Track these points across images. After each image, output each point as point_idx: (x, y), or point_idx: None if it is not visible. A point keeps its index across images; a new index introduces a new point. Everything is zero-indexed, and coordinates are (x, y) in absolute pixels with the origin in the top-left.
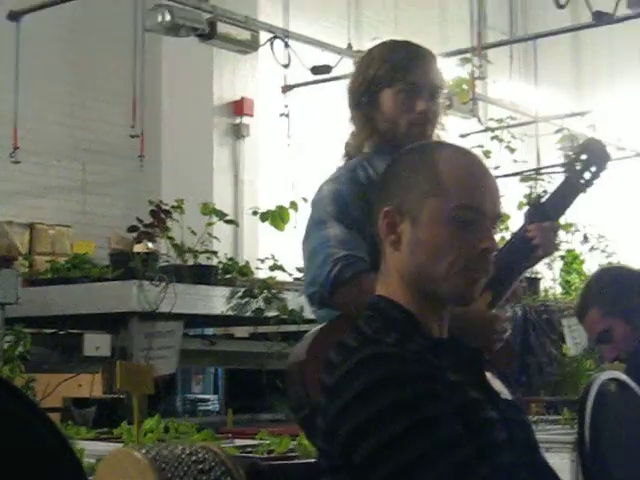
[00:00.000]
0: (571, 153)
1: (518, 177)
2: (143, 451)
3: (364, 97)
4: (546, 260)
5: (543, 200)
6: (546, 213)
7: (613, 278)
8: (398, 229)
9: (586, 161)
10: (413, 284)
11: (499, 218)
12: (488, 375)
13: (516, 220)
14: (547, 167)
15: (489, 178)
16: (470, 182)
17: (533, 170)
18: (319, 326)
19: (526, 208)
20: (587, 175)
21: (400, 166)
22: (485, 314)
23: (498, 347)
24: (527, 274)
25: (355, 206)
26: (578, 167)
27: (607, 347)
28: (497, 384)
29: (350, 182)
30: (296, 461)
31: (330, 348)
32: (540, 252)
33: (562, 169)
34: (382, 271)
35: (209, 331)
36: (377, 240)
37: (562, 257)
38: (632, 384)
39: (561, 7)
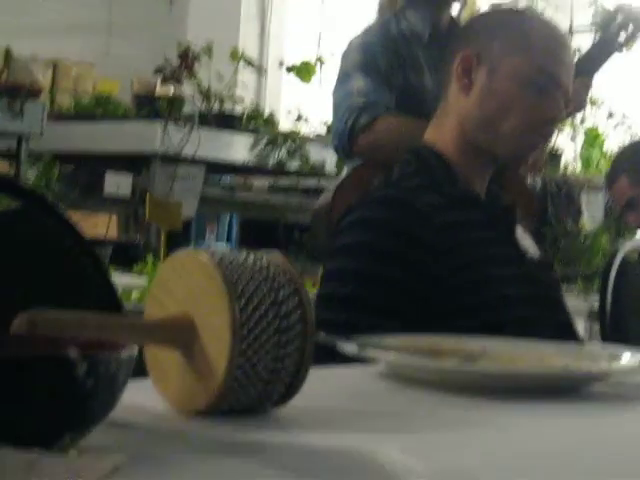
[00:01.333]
0: (604, 16)
1: None
2: (209, 253)
3: None
4: (569, 134)
5: (577, 56)
6: (579, 69)
7: None
8: (472, 75)
9: (621, 22)
10: (472, 133)
11: (569, 94)
12: (519, 232)
13: None
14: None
15: (570, 55)
16: (556, 52)
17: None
18: (344, 174)
19: None
20: (622, 35)
21: (489, 17)
22: None
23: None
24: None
25: (384, 57)
26: (612, 29)
27: (633, 214)
28: (527, 241)
29: (381, 34)
30: None
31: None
32: (571, 106)
33: (595, 31)
34: (437, 115)
35: (228, 181)
36: (442, 83)
37: (585, 132)
38: None
39: None
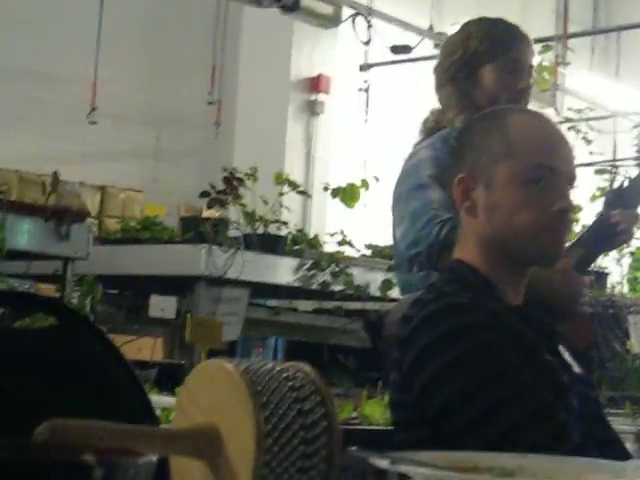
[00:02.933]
0: None
1: (592, 169)
2: (234, 363)
3: (461, 72)
4: (615, 255)
5: (624, 187)
6: (627, 201)
7: None
8: (472, 195)
9: None
10: (493, 248)
11: (574, 179)
12: (561, 347)
13: (588, 212)
14: (623, 160)
15: (562, 138)
16: (543, 141)
17: (609, 162)
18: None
19: (602, 199)
20: None
21: (472, 132)
22: (568, 271)
23: (578, 309)
24: (595, 268)
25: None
26: None
27: None
28: (567, 356)
29: (445, 149)
30: (359, 427)
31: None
32: (623, 237)
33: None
34: (460, 237)
35: (272, 304)
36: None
37: (632, 253)
38: None
39: None
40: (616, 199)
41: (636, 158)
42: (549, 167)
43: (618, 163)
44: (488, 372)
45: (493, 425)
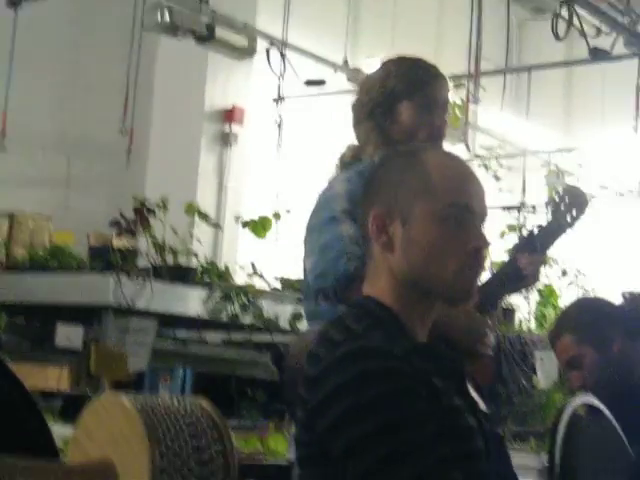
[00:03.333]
0: (555, 196)
1: (502, 207)
2: (131, 398)
3: (380, 108)
4: (523, 292)
5: (535, 233)
6: (535, 246)
7: (590, 307)
8: (389, 231)
9: (568, 204)
10: (407, 284)
11: (486, 217)
12: (468, 385)
13: (497, 248)
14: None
15: (476, 178)
16: (459, 181)
17: (519, 205)
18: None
19: (509, 237)
20: (569, 217)
21: (387, 168)
22: (473, 313)
23: (480, 349)
24: (503, 305)
25: None
26: (562, 208)
27: (575, 374)
28: (474, 394)
29: (360, 183)
30: (264, 462)
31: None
32: (528, 281)
33: (547, 207)
34: (370, 272)
35: (182, 335)
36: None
37: (539, 290)
38: (604, 410)
39: (559, 39)
40: (525, 244)
41: (546, 203)
42: (465, 206)
43: (527, 202)
44: (393, 420)
45: (392, 475)
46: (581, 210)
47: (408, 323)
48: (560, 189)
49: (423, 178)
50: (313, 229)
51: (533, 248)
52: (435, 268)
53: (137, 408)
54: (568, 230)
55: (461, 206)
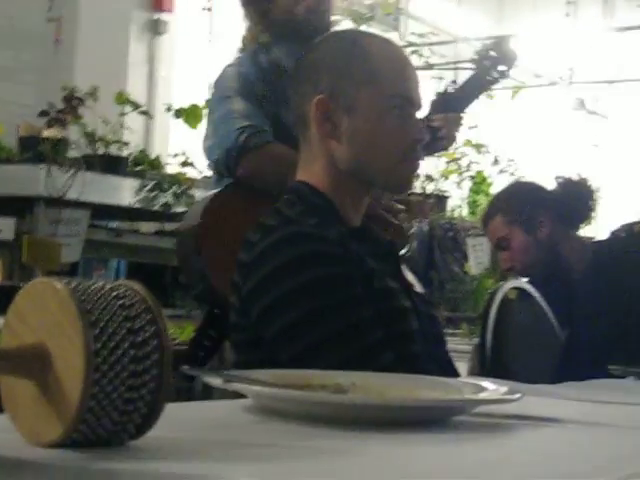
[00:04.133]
0: (480, 49)
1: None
2: (64, 282)
3: None
4: (455, 179)
5: (450, 91)
6: (451, 104)
7: (521, 189)
8: (333, 118)
9: (495, 59)
10: (349, 172)
11: (421, 108)
12: (401, 267)
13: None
14: (457, 62)
15: (414, 68)
16: (403, 72)
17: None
18: (212, 192)
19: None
20: (495, 73)
21: (327, 53)
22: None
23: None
24: (435, 192)
25: (258, 87)
26: (486, 63)
27: (505, 255)
28: (409, 276)
29: (252, 65)
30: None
31: (228, 216)
32: (445, 143)
33: (471, 64)
34: (305, 158)
35: (114, 226)
36: (295, 124)
37: (471, 177)
38: (534, 293)
39: None
40: (440, 103)
41: (469, 60)
42: (407, 97)
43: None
44: (325, 304)
45: (324, 357)
46: (509, 65)
47: (343, 208)
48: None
49: (368, 67)
50: (209, 111)
51: (450, 107)
52: (379, 158)
53: (70, 291)
54: (493, 85)
55: (404, 97)
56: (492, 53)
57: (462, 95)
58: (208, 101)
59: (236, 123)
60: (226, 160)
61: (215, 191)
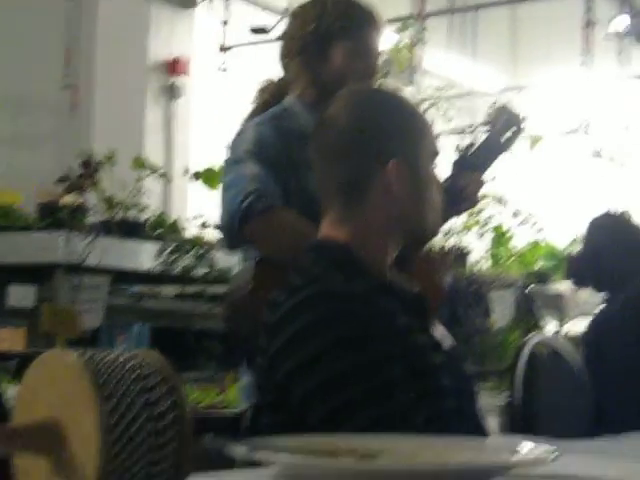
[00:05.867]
0: (491, 115)
1: (453, 145)
2: (76, 353)
3: (312, 46)
4: (476, 233)
5: (472, 150)
6: (473, 165)
7: None
8: (397, 176)
9: (505, 122)
10: (396, 225)
11: None
12: (431, 323)
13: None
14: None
15: None
16: (429, 125)
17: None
18: (252, 260)
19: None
20: (507, 134)
21: (377, 115)
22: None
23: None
24: (457, 246)
25: (275, 150)
26: (497, 126)
27: None
28: (440, 330)
29: (273, 127)
30: (223, 412)
31: (270, 283)
32: (468, 203)
33: (484, 128)
34: (337, 217)
35: (135, 290)
36: (331, 189)
37: (494, 229)
38: (561, 349)
39: None
40: (464, 163)
41: (485, 123)
42: (437, 153)
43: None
44: (355, 363)
45: (353, 419)
46: (518, 128)
47: (371, 262)
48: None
49: (416, 125)
50: (223, 174)
51: (471, 167)
52: (430, 210)
53: (83, 363)
54: (508, 148)
55: (437, 153)
56: (502, 118)
57: (479, 157)
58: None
59: (243, 188)
60: (230, 226)
61: (252, 260)
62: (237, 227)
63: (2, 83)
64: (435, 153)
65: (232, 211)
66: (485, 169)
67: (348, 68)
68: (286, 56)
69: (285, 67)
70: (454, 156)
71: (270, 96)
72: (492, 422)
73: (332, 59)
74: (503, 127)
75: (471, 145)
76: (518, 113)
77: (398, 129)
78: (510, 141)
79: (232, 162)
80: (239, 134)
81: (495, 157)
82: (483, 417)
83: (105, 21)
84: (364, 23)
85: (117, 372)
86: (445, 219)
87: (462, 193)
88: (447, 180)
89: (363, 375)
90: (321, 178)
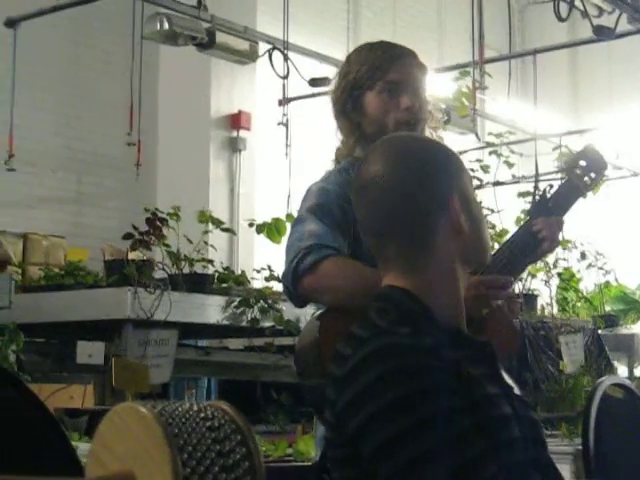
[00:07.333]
0: (569, 159)
1: (516, 192)
2: (148, 406)
3: (348, 103)
4: (543, 277)
5: (548, 196)
6: (551, 209)
7: None
8: (464, 216)
9: (585, 167)
10: (466, 261)
11: None
12: (501, 370)
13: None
14: (545, 174)
15: None
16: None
17: (531, 179)
18: (319, 312)
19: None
20: (587, 180)
21: (429, 160)
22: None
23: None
24: (524, 291)
25: (337, 205)
26: (578, 171)
27: None
28: (507, 378)
29: (337, 182)
30: (294, 464)
31: (338, 335)
32: (545, 246)
33: (561, 174)
34: (398, 264)
35: (203, 344)
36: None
37: (559, 274)
38: (635, 389)
39: (562, 20)
40: (541, 208)
41: (556, 172)
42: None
43: (540, 184)
44: (422, 419)
45: (424, 473)
46: (600, 172)
47: (439, 311)
48: (575, 151)
49: (452, 157)
50: (289, 231)
51: (548, 212)
52: (486, 233)
53: (155, 415)
54: (586, 193)
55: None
56: (582, 162)
57: (558, 201)
58: (289, 216)
59: (297, 247)
60: (286, 288)
61: (319, 312)
62: (292, 289)
63: (67, 143)
64: (471, 179)
65: (286, 273)
66: (564, 213)
67: (382, 112)
68: (335, 119)
69: (339, 128)
70: (529, 201)
71: (341, 154)
72: (565, 469)
73: (367, 111)
74: (586, 170)
75: (546, 192)
76: (601, 155)
77: (442, 166)
78: (593, 183)
79: (297, 220)
80: (307, 191)
81: (575, 200)
82: (554, 464)
83: (167, 77)
84: (385, 63)
85: (189, 423)
86: (526, 264)
87: (536, 237)
88: (521, 226)
89: (433, 429)
90: (372, 234)
